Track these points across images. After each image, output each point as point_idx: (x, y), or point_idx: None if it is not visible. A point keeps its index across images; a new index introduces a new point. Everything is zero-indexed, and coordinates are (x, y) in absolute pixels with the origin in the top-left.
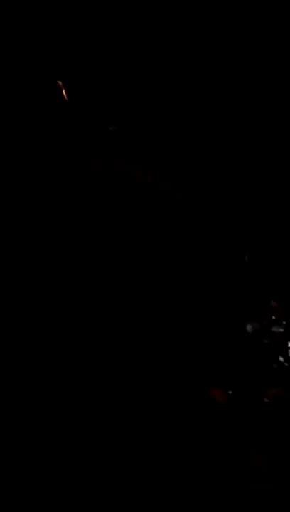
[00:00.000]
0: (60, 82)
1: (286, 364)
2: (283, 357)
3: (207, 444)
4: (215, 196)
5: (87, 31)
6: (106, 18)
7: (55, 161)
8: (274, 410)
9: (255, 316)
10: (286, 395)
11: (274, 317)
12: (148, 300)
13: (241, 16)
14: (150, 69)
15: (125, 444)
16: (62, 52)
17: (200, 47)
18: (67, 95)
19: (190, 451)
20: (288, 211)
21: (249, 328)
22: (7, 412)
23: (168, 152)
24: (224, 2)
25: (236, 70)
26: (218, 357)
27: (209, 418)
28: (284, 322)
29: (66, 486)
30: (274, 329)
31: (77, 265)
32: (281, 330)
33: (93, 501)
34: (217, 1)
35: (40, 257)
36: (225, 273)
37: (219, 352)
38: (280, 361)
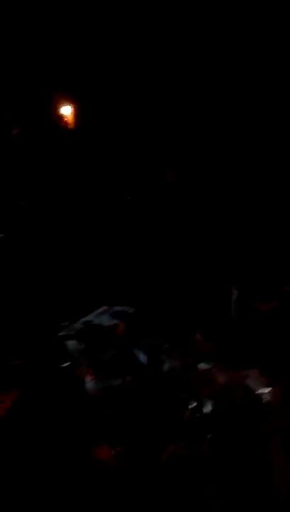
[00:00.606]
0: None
1: (197, 415)
2: (197, 401)
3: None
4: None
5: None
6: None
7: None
8: (172, 472)
9: (179, 350)
10: (186, 454)
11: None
12: None
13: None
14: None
15: None
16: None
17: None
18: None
19: None
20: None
21: (166, 366)
22: None
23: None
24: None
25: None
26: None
27: (91, 482)
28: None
29: None
30: (201, 366)
31: None
32: (207, 367)
33: None
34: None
35: None
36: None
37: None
38: (192, 408)
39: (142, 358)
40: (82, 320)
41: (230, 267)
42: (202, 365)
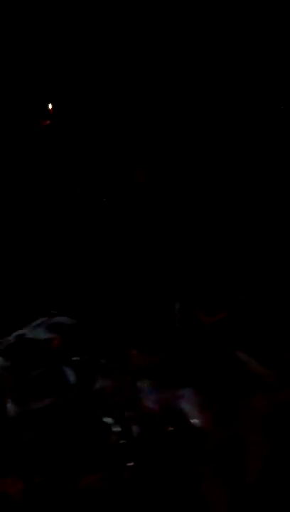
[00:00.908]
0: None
1: (121, 441)
2: (122, 426)
3: None
4: None
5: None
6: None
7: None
8: (86, 506)
9: (114, 367)
10: (104, 485)
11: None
12: None
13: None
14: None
15: None
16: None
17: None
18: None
19: None
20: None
21: (97, 385)
22: None
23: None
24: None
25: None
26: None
27: None
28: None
29: None
30: (134, 385)
31: None
32: (140, 386)
33: None
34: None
35: None
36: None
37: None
38: (116, 434)
39: (71, 376)
40: (15, 333)
41: (174, 274)
42: (136, 384)
